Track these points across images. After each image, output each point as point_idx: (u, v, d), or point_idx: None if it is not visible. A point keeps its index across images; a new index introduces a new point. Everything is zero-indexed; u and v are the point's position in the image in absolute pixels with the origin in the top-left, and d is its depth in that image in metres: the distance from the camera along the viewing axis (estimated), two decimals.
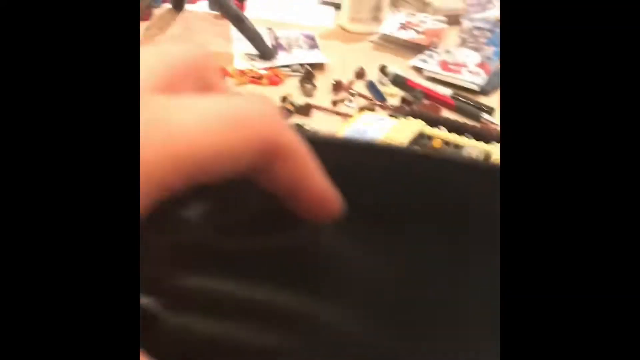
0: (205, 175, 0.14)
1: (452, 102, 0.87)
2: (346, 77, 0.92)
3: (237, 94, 0.16)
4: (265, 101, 0.16)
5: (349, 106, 0.84)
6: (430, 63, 0.97)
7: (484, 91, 0.92)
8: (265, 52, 0.96)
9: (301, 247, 0.18)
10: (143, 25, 1.01)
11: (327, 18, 1.13)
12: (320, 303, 0.18)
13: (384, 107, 0.85)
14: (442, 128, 0.75)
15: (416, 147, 0.71)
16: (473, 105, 0.86)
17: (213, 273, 0.18)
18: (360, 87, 0.90)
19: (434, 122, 0.75)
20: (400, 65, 0.97)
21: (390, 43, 1.04)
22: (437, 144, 0.72)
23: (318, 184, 0.17)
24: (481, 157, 0.68)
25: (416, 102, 0.86)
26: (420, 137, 0.73)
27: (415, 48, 1.02)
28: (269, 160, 0.15)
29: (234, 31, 1.01)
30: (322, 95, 0.87)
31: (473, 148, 0.70)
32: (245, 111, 0.15)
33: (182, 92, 0.16)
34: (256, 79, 0.90)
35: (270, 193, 0.16)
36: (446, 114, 0.84)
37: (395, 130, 0.71)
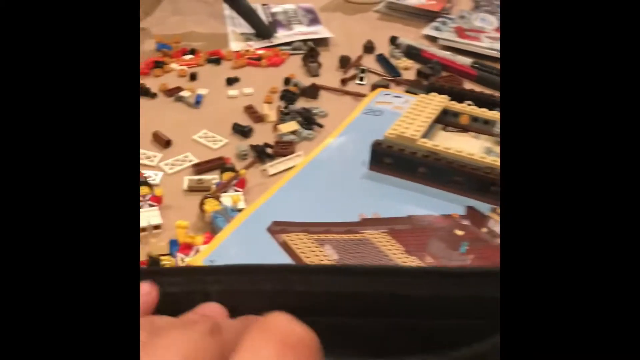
0: None
1: (474, 72, 0.78)
2: (353, 52, 0.83)
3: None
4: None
5: (360, 84, 0.76)
6: (445, 30, 0.88)
7: None
8: (262, 31, 0.87)
9: None
10: None
11: None
12: None
13: (399, 83, 0.76)
14: (469, 102, 0.66)
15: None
16: (497, 74, 0.77)
17: None
18: (370, 62, 0.82)
19: (459, 96, 0.67)
20: (411, 35, 0.88)
21: (398, 11, 0.95)
22: (464, 120, 0.64)
23: None
24: None
25: (434, 74, 0.77)
26: (445, 113, 0.64)
27: (426, 15, 0.93)
28: None
29: (226, 9, 0.92)
30: (329, 73, 0.78)
31: None
32: None
33: None
34: (254, 60, 0.81)
35: None
36: (468, 85, 0.75)
37: (416, 108, 0.63)
